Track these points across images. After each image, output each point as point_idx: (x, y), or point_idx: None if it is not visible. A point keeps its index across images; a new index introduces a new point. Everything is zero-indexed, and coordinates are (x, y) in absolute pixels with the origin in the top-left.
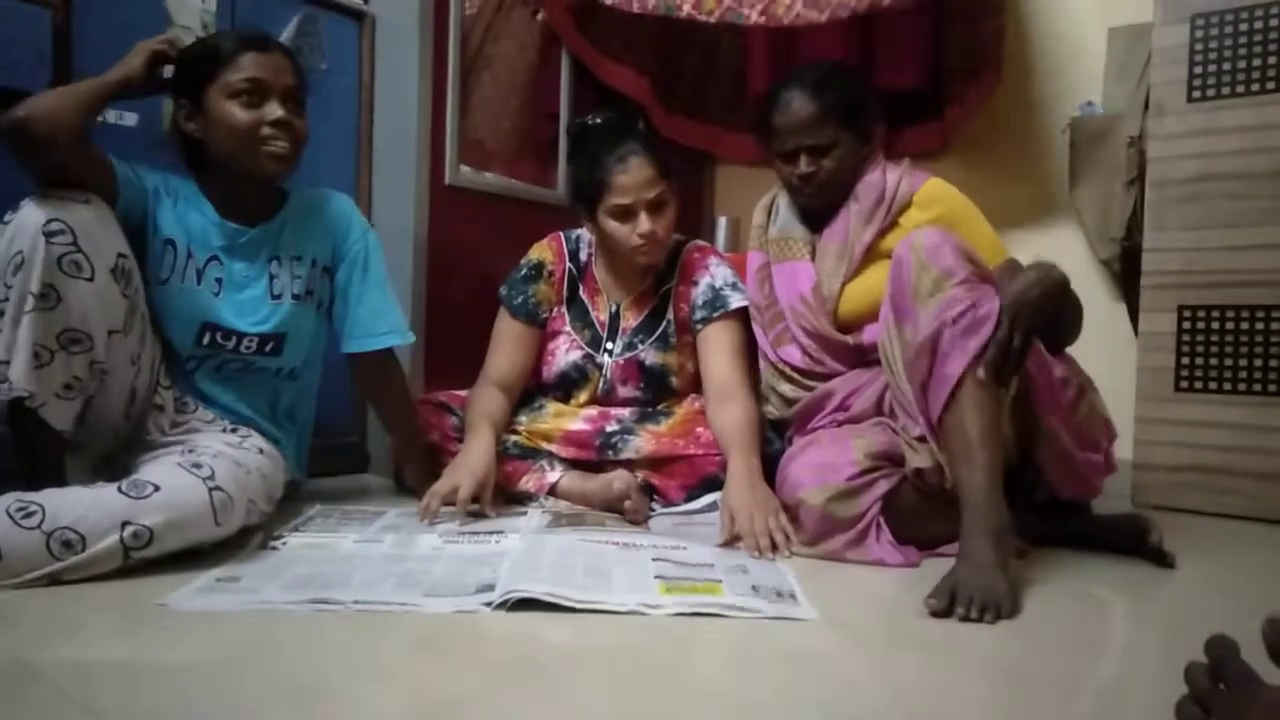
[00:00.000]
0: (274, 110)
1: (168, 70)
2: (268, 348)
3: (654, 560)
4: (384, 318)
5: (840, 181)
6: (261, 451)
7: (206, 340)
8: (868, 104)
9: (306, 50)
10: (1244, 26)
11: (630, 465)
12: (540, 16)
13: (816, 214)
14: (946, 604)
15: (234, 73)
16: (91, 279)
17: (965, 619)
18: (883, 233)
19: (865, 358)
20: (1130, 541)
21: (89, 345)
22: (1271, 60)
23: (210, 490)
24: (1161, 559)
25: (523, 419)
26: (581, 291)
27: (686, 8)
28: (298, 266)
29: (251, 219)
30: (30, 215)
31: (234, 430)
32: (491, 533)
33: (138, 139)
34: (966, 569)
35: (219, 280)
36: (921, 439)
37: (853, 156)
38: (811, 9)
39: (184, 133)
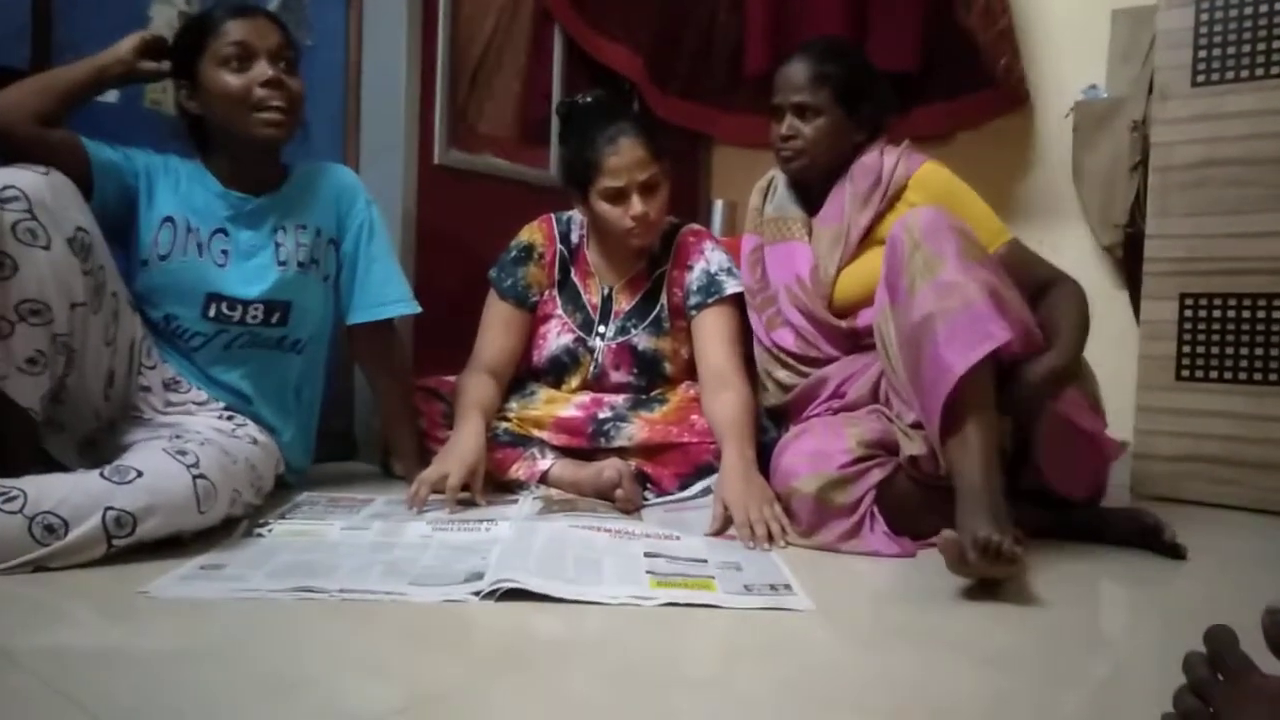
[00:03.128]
0: (264, 71)
1: (165, 64)
2: (274, 317)
3: (645, 555)
4: (390, 287)
5: (818, 154)
6: (255, 442)
7: (213, 313)
8: (872, 93)
9: (292, 26)
10: (1249, 10)
11: (623, 453)
12: None
13: (798, 186)
14: (956, 553)
15: (219, 40)
16: (47, 248)
17: (985, 548)
18: (880, 216)
19: (859, 343)
20: (1136, 536)
21: (49, 317)
22: (1276, 44)
23: (194, 477)
24: (1175, 552)
25: (513, 405)
26: (573, 274)
27: None
28: (302, 235)
29: (256, 190)
30: None
31: (230, 418)
32: (481, 520)
33: (119, 116)
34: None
35: (225, 252)
36: (916, 425)
37: (838, 134)
38: None
39: (188, 113)
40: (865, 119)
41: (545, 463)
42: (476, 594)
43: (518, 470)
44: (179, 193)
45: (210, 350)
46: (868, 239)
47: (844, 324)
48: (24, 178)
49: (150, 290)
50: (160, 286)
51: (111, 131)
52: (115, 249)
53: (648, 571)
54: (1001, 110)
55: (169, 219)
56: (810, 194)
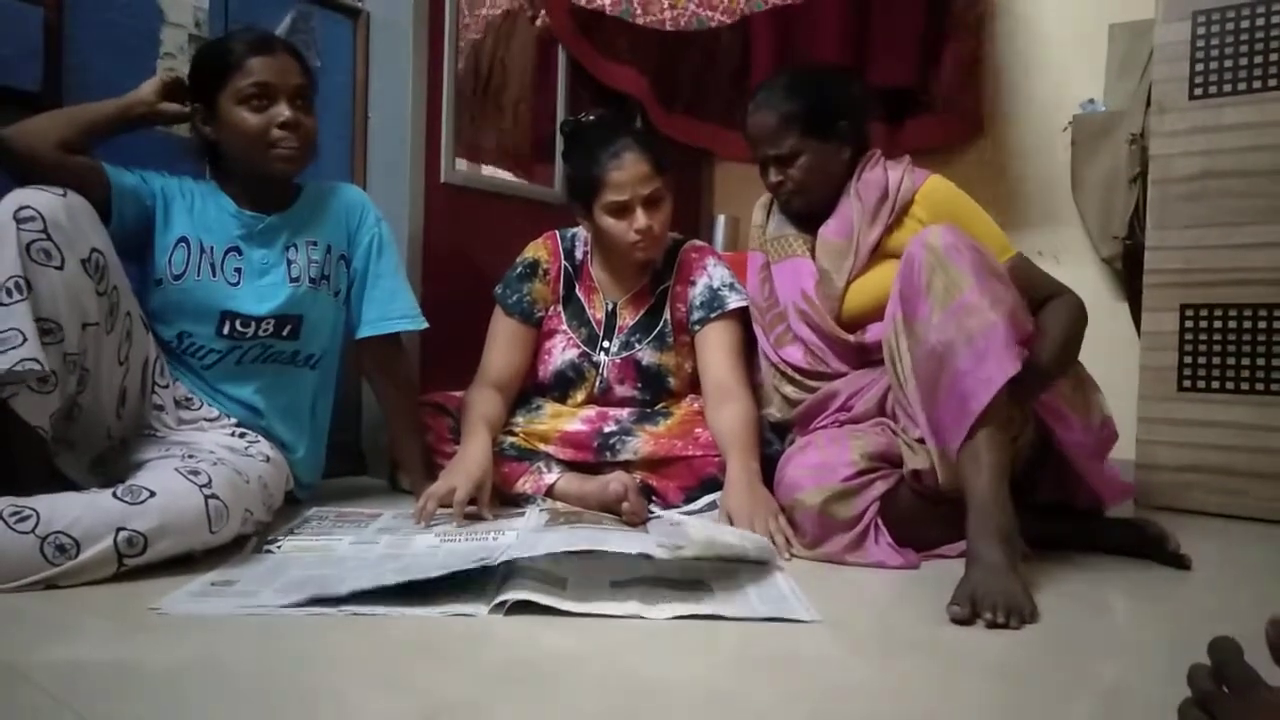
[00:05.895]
0: (282, 112)
1: (187, 107)
2: (285, 330)
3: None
4: (398, 302)
5: (813, 187)
6: (267, 459)
7: (227, 330)
8: (843, 108)
9: (300, 47)
10: (1245, 23)
11: (628, 466)
12: (540, 22)
13: (801, 218)
14: (969, 612)
15: (242, 78)
16: (61, 267)
17: (993, 625)
18: (889, 230)
19: (869, 357)
20: (1140, 546)
21: (60, 336)
22: (1273, 57)
23: (206, 498)
24: (1179, 562)
25: (520, 420)
26: (577, 290)
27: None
28: (314, 251)
29: (268, 209)
30: (1, 203)
31: (241, 435)
32: (489, 532)
33: (132, 136)
34: (980, 573)
35: (238, 270)
36: (921, 440)
37: (825, 162)
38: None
39: (203, 136)
40: (847, 136)
41: (551, 476)
42: (486, 568)
43: (524, 484)
44: (193, 214)
45: (223, 367)
46: (876, 253)
47: (852, 338)
48: (40, 198)
49: (164, 309)
50: (174, 305)
51: (125, 151)
52: (130, 267)
53: (658, 544)
54: (957, 137)
55: (183, 240)
56: (798, 217)
